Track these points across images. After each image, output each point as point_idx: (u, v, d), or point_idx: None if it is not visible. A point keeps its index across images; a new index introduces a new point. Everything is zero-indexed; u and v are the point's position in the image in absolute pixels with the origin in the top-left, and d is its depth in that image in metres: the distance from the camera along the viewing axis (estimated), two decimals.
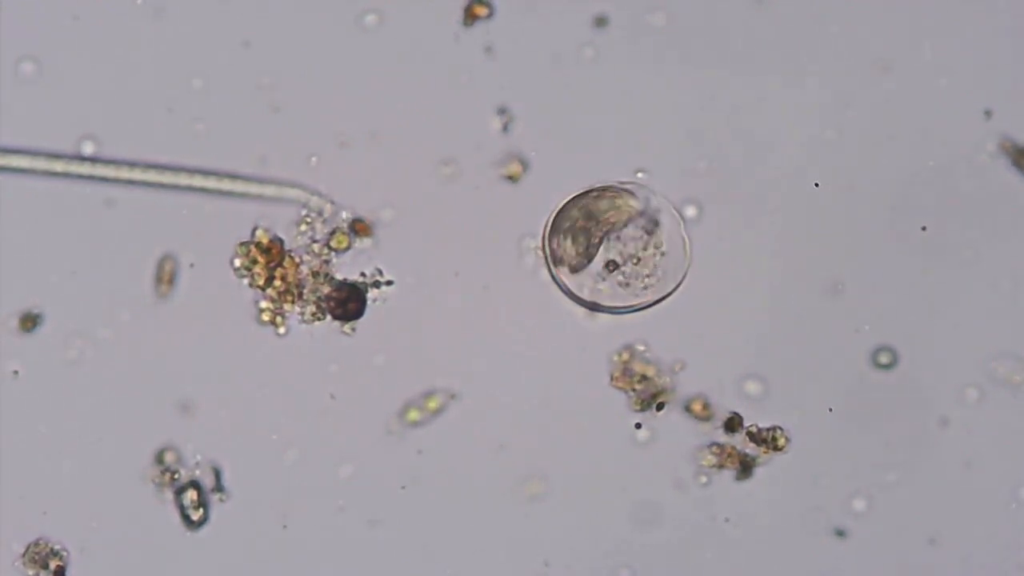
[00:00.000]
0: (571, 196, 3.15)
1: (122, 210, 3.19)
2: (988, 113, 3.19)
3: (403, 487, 3.20)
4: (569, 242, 3.14)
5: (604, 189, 3.16)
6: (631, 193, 3.16)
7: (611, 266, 3.12)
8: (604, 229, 3.14)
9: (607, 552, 3.22)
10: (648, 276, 3.14)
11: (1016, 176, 3.21)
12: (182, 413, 3.18)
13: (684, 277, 3.17)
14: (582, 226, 3.14)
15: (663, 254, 3.15)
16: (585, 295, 3.15)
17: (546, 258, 3.15)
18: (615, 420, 3.21)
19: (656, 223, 3.15)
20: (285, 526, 3.20)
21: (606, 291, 3.16)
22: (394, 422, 3.21)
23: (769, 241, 3.21)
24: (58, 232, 3.19)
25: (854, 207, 3.22)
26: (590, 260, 3.15)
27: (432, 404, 3.21)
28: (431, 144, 3.20)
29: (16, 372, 3.18)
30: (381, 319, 3.20)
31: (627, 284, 3.15)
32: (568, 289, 3.17)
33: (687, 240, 3.16)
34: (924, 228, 3.19)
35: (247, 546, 3.22)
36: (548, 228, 3.15)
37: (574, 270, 3.15)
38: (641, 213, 3.14)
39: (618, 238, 3.15)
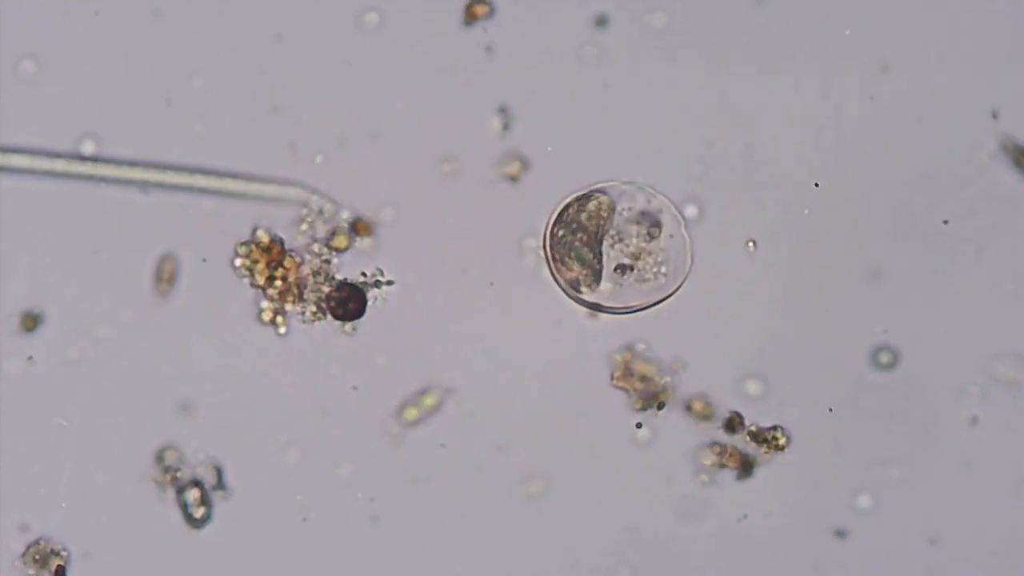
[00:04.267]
0: (555, 217, 3.16)
1: (122, 210, 3.19)
2: (995, 114, 3.19)
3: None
4: (577, 265, 3.14)
5: (576, 200, 3.16)
6: (601, 191, 3.15)
7: (621, 269, 3.12)
8: (597, 235, 3.15)
9: (607, 551, 3.23)
10: (660, 264, 3.14)
11: (1016, 176, 3.20)
12: (182, 413, 3.18)
13: (685, 277, 3.16)
14: (584, 243, 3.14)
15: (671, 236, 3.14)
16: (615, 298, 3.15)
17: (562, 286, 3.16)
18: (615, 420, 3.21)
19: (658, 224, 3.15)
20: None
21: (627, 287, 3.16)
22: (394, 421, 3.21)
23: (769, 241, 3.21)
24: (58, 232, 3.19)
25: (854, 207, 3.22)
26: (598, 268, 3.15)
27: (428, 401, 3.21)
28: (431, 143, 3.20)
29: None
30: (381, 319, 3.20)
31: (645, 280, 3.14)
32: (568, 290, 3.18)
33: (688, 240, 3.16)
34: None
35: (249, 544, 3.22)
36: (553, 254, 3.16)
37: (588, 284, 3.15)
38: (614, 206, 3.14)
39: (619, 238, 3.15)
